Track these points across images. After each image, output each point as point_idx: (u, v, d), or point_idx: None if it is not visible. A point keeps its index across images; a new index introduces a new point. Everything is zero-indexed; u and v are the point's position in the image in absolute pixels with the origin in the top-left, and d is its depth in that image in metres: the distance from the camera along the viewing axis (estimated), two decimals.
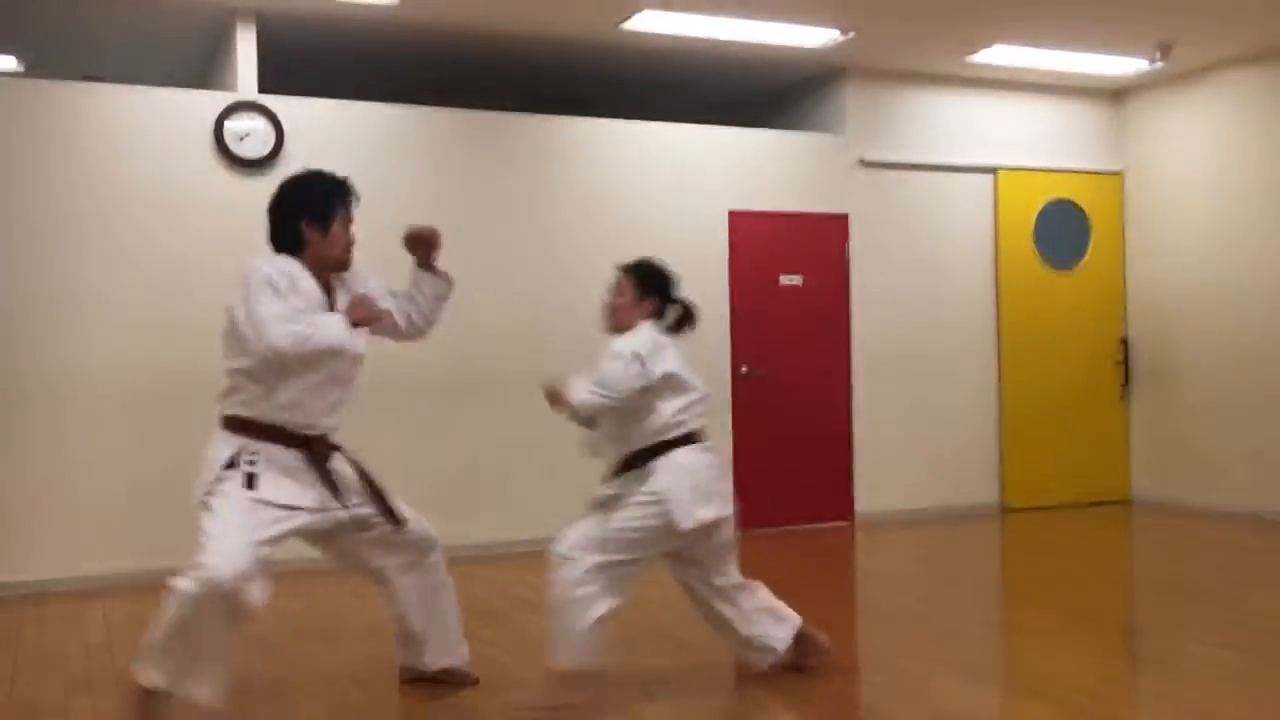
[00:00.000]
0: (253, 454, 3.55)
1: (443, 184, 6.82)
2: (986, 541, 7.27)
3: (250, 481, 3.51)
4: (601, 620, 3.86)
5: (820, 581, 6.10)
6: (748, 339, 7.48)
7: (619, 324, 4.11)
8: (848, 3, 6.38)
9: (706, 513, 3.94)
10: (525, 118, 7.06)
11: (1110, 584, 5.98)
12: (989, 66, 7.73)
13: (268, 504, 3.52)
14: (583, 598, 3.86)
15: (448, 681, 4.09)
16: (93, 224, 6.12)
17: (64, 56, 7.11)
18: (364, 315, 3.69)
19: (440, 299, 4.04)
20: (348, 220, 3.74)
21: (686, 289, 7.22)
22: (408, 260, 4.01)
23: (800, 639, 4.16)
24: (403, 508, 3.92)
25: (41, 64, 7.16)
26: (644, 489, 3.90)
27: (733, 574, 4.15)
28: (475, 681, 4.12)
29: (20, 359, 5.95)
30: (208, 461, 3.58)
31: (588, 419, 4.00)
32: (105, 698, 4.06)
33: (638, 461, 3.97)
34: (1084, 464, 8.36)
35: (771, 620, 4.14)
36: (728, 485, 4.12)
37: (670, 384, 3.95)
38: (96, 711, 3.92)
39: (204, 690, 3.47)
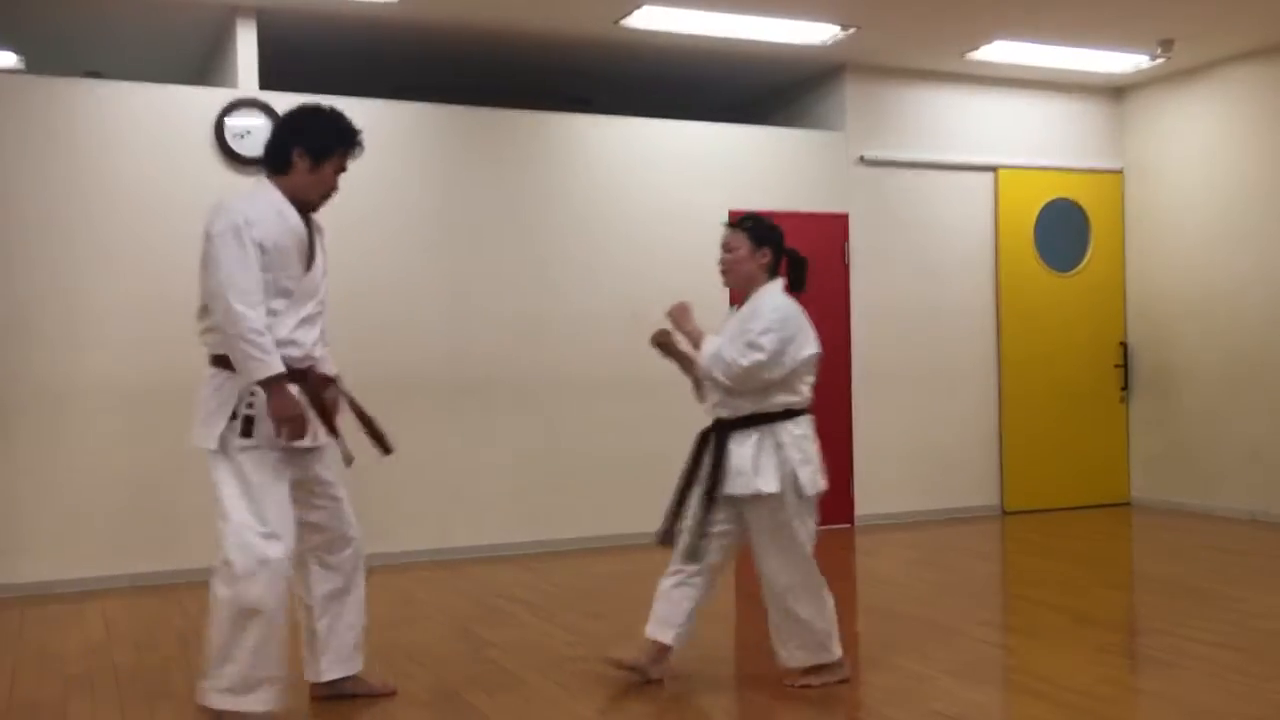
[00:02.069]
0: (252, 394, 3.47)
1: (443, 181, 6.82)
2: (986, 544, 7.27)
3: (249, 427, 3.46)
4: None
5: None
6: None
7: (739, 280, 4.14)
8: None
9: (824, 483, 4.00)
10: (525, 115, 7.06)
11: (1110, 585, 5.98)
12: (989, 64, 7.72)
13: (265, 449, 3.48)
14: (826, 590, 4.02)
15: (354, 694, 3.91)
16: (92, 221, 6.11)
17: (64, 53, 7.10)
18: (292, 431, 3.50)
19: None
20: (340, 168, 3.69)
21: (686, 287, 7.30)
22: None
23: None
24: (345, 501, 3.83)
25: (42, 61, 7.15)
26: (783, 467, 3.89)
27: None
28: (392, 693, 3.97)
29: (19, 359, 5.94)
30: (208, 405, 3.51)
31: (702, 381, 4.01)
32: (105, 698, 4.07)
33: (759, 422, 3.93)
34: (1084, 466, 8.36)
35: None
36: None
37: (810, 362, 3.98)
38: (96, 711, 3.92)
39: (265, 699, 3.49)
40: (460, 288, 6.77)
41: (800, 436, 3.95)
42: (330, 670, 3.86)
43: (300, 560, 3.76)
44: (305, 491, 3.70)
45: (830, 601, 4.04)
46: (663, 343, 4.09)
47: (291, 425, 3.49)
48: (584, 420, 7.08)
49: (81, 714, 3.89)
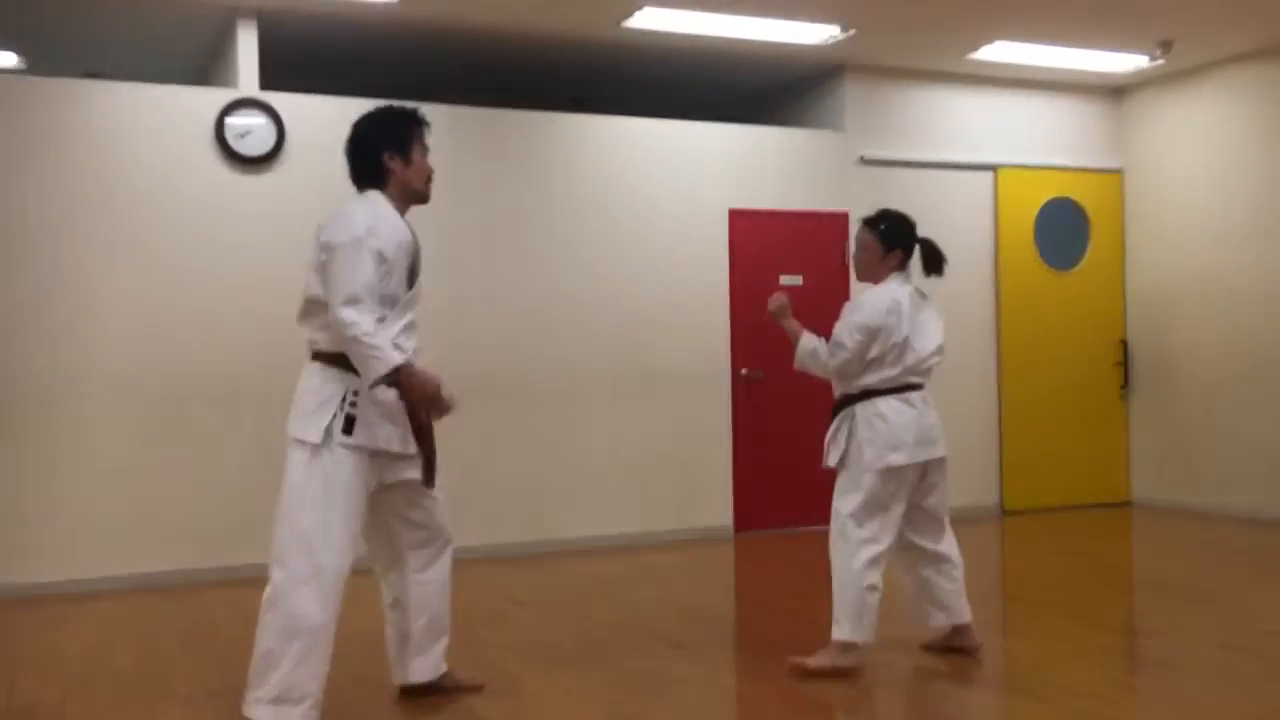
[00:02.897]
0: (355, 394, 3.49)
1: (443, 181, 6.72)
2: (986, 543, 7.27)
3: (349, 425, 3.47)
4: (872, 590, 4.11)
5: (820, 583, 6.08)
6: (747, 339, 7.47)
7: (869, 278, 4.41)
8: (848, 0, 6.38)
9: (898, 458, 4.12)
10: (525, 115, 7.06)
11: (1110, 585, 5.99)
12: (989, 64, 7.72)
13: (360, 450, 3.48)
14: (864, 575, 4.09)
15: (444, 689, 4.01)
16: (93, 222, 6.11)
17: (65, 54, 7.10)
18: (437, 407, 3.57)
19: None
20: (425, 148, 3.76)
21: (686, 287, 7.33)
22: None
23: (959, 628, 4.41)
24: (438, 499, 3.88)
25: (43, 61, 7.16)
26: (854, 441, 4.20)
27: (940, 541, 4.37)
28: (480, 688, 4.05)
29: (20, 358, 5.94)
30: (310, 399, 3.51)
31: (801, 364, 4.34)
32: (104, 698, 4.07)
33: (845, 405, 4.27)
34: (1083, 465, 8.36)
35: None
36: (934, 434, 4.26)
37: (896, 350, 4.20)
38: (96, 712, 3.92)
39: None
40: (460, 287, 6.77)
41: (874, 415, 4.17)
42: (418, 674, 3.91)
43: (399, 559, 3.83)
44: (407, 491, 3.74)
45: (859, 581, 4.08)
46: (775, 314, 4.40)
47: (434, 403, 3.54)
48: (584, 420, 7.09)
49: (81, 714, 3.90)
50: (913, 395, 4.24)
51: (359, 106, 6.55)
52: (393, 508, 3.77)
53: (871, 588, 4.09)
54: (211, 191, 6.28)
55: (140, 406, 6.12)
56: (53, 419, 5.98)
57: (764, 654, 4.59)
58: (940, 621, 4.40)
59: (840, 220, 7.72)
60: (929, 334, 4.33)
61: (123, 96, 6.20)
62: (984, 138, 8.19)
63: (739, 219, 7.48)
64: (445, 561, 3.92)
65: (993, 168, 8.20)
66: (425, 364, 3.72)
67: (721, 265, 7.45)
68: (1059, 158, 8.40)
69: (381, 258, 3.50)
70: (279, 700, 3.40)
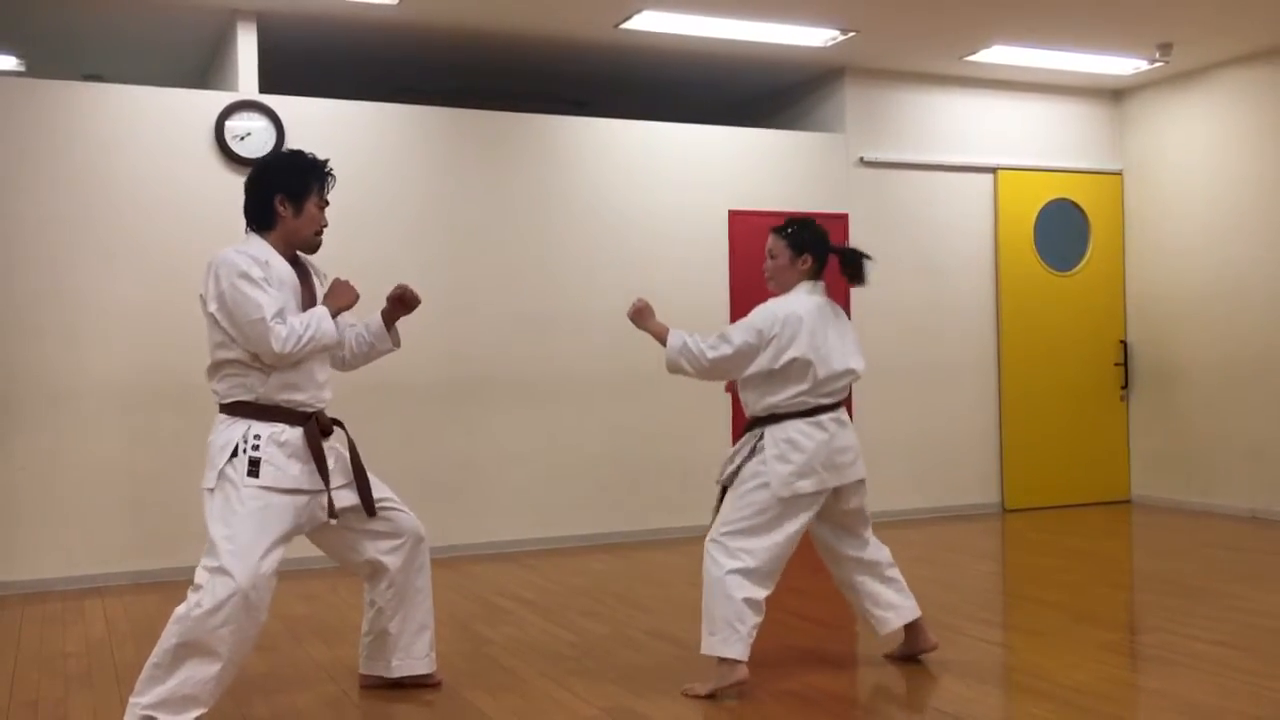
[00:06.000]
0: (256, 438, 3.49)
1: (442, 184, 6.83)
2: (987, 541, 7.27)
3: (254, 468, 3.46)
4: (750, 603, 3.91)
5: (820, 581, 6.09)
6: None
7: (781, 286, 4.16)
8: (848, 2, 6.39)
9: (806, 485, 3.96)
10: (525, 118, 7.07)
11: (1110, 583, 5.98)
12: (989, 66, 7.74)
13: (270, 490, 3.48)
14: (729, 582, 3.90)
15: (409, 686, 4.03)
16: (92, 224, 6.13)
17: (64, 56, 7.12)
18: (348, 301, 3.72)
19: (377, 353, 3.97)
20: (322, 202, 3.71)
21: (686, 289, 7.34)
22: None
23: (911, 628, 4.31)
24: (395, 501, 3.90)
25: (42, 63, 7.17)
26: (754, 460, 4.00)
27: (865, 549, 4.27)
28: (437, 684, 4.06)
29: (20, 359, 5.95)
30: (212, 449, 3.53)
31: (671, 368, 4.09)
32: (105, 696, 4.07)
33: (754, 426, 4.07)
34: (1084, 464, 8.37)
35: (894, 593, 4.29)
36: (847, 458, 4.07)
37: (796, 367, 3.97)
38: (97, 709, 3.93)
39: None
40: (460, 288, 6.78)
41: (783, 439, 3.97)
42: (402, 668, 3.96)
43: (378, 567, 3.85)
44: (353, 516, 3.76)
45: (729, 592, 3.91)
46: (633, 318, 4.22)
47: (347, 296, 3.72)
48: (583, 419, 7.09)
49: (82, 712, 3.90)
50: (824, 418, 4.02)
51: (358, 109, 6.67)
52: (350, 528, 3.78)
53: (746, 600, 3.90)
54: (211, 194, 6.29)
55: (139, 407, 6.13)
56: (53, 418, 5.99)
57: (764, 651, 4.58)
58: (893, 624, 4.27)
59: (840, 222, 7.73)
60: (840, 350, 4.08)
61: (122, 99, 6.22)
62: (984, 140, 8.20)
63: (739, 220, 7.50)
64: (423, 560, 3.95)
65: (992, 169, 8.21)
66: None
67: (721, 267, 7.46)
68: (1059, 160, 8.41)
69: (265, 282, 3.49)
70: (164, 708, 3.38)
